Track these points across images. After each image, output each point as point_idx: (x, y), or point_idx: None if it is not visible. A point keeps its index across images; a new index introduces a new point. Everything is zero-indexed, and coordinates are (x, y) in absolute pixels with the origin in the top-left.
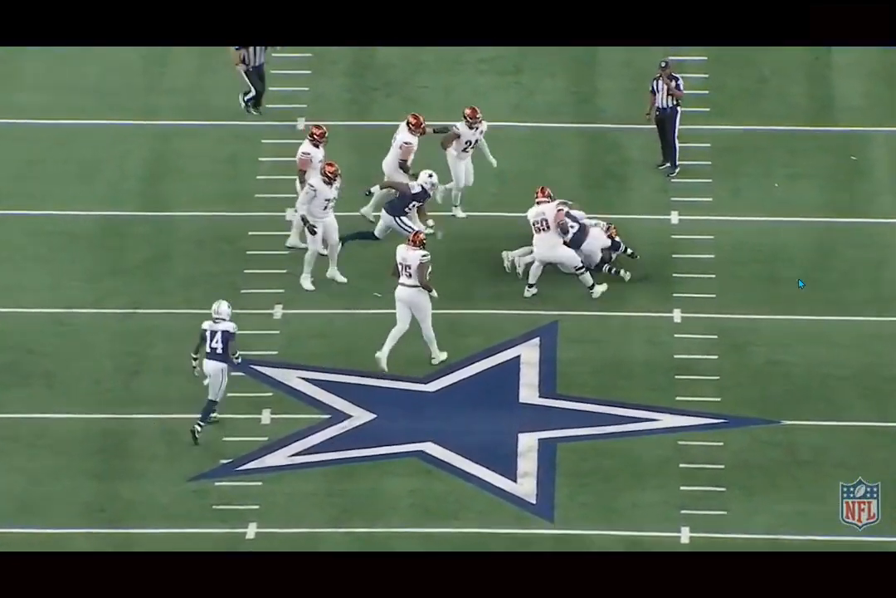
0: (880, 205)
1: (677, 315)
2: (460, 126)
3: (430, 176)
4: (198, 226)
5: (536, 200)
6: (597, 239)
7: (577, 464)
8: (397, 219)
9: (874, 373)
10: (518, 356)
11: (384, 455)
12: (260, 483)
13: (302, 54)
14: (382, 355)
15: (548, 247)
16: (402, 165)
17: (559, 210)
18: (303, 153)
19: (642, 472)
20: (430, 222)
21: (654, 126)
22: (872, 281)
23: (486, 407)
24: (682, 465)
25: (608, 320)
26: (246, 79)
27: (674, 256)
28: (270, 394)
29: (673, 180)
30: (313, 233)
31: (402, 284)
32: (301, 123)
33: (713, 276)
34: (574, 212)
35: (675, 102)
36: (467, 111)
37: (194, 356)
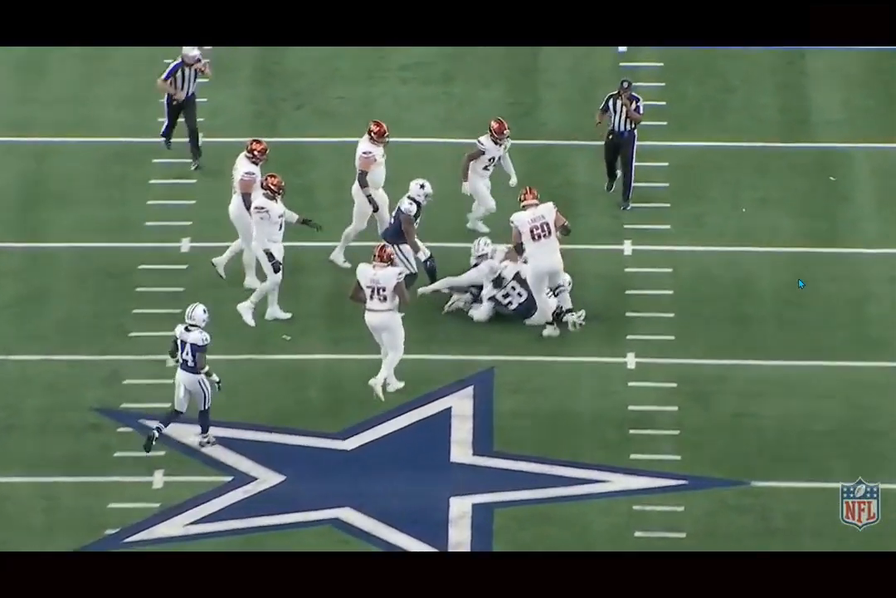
0: (863, 233)
1: (631, 360)
2: (484, 141)
3: (422, 186)
4: (79, 259)
5: (523, 203)
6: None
7: (517, 533)
8: (396, 248)
9: (857, 427)
10: (449, 408)
11: (294, 524)
12: None
13: None
14: (394, 384)
15: (548, 254)
16: (361, 179)
17: (556, 210)
18: (246, 174)
19: (592, 542)
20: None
21: (604, 147)
22: (854, 320)
23: (412, 467)
24: (637, 534)
25: (552, 366)
26: (166, 112)
27: (627, 292)
28: (163, 453)
29: None
30: (278, 271)
31: (373, 310)
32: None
33: (672, 315)
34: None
35: (632, 126)
36: (494, 125)
37: (174, 360)
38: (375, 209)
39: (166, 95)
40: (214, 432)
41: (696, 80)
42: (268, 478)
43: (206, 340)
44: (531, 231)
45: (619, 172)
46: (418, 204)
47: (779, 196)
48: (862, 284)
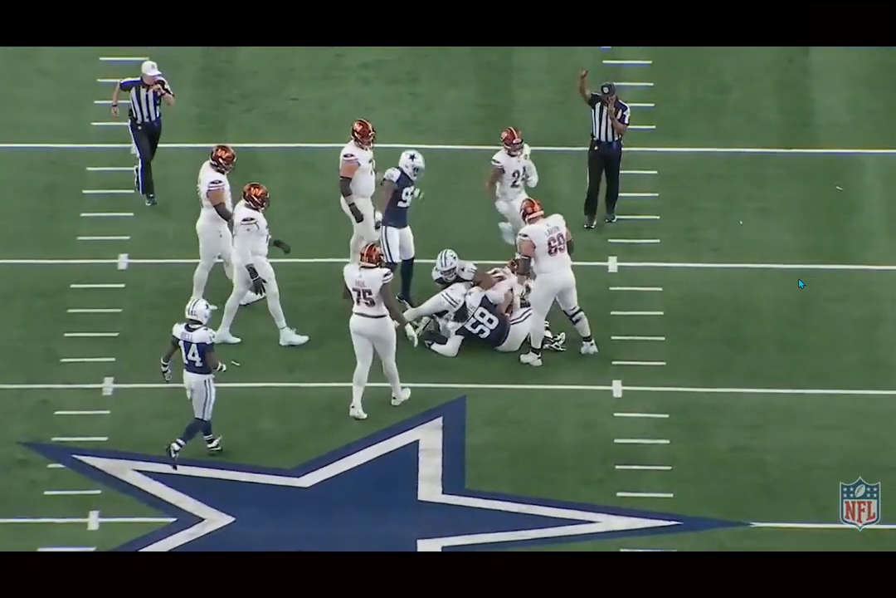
0: (872, 247)
1: (617, 389)
2: (499, 158)
3: (412, 157)
4: (3, 277)
5: (529, 217)
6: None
7: None
8: (384, 229)
9: (866, 461)
10: (416, 441)
11: None
12: None
13: (135, 58)
14: (358, 410)
15: (563, 268)
16: (343, 186)
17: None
18: (212, 183)
19: None
20: None
21: (588, 159)
22: (863, 344)
23: (376, 507)
24: None
25: (530, 395)
26: (133, 138)
27: (612, 313)
28: (99, 491)
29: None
30: (261, 290)
31: (361, 315)
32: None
33: (662, 338)
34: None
35: (618, 137)
36: (504, 134)
37: (164, 363)
38: (359, 220)
39: (129, 120)
40: (152, 467)
41: (688, 80)
42: (215, 519)
43: (214, 337)
44: (549, 244)
45: (599, 203)
46: (406, 175)
47: (779, 207)
48: (871, 303)
